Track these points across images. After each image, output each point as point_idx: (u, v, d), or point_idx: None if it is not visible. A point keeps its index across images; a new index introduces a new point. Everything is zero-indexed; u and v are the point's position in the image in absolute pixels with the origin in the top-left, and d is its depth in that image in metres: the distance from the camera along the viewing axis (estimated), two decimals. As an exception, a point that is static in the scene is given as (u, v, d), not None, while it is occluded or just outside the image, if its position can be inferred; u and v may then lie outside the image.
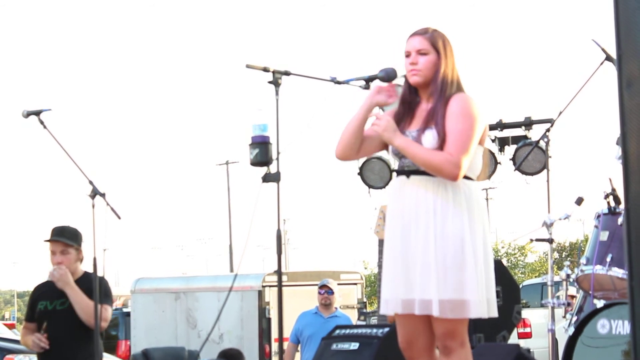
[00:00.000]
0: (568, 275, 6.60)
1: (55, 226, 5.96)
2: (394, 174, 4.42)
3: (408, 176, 4.26)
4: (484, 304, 4.17)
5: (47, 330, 5.89)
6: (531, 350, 7.51)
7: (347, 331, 7.34)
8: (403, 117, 4.34)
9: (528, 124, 9.34)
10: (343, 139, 4.35)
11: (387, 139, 4.24)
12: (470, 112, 4.19)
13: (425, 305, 4.13)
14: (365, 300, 12.93)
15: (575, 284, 6.60)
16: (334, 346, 7.19)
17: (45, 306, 5.93)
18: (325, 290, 9.23)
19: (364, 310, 11.87)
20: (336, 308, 9.35)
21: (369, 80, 4.31)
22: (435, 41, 4.28)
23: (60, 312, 5.86)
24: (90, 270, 5.76)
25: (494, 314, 4.23)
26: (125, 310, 15.28)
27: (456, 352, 4.22)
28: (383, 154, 8.23)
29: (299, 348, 9.29)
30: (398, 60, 4.38)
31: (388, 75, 4.33)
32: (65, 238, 5.90)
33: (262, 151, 5.98)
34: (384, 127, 4.23)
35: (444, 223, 4.15)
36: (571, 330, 6.11)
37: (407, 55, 4.30)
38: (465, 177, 4.23)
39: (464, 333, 4.24)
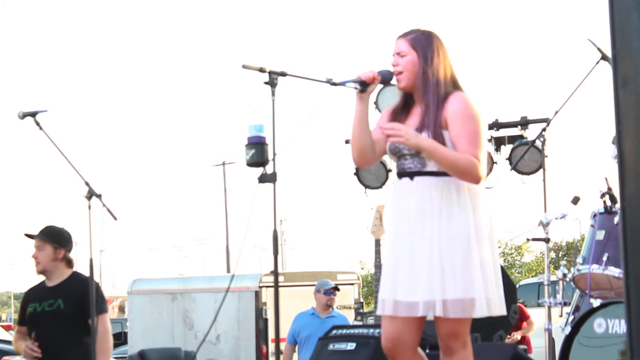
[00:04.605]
0: (565, 275, 6.60)
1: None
2: (395, 175, 4.41)
3: (412, 178, 4.25)
4: (495, 301, 4.18)
5: (36, 337, 5.86)
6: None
7: (344, 331, 7.35)
8: (399, 114, 4.34)
9: (524, 123, 9.35)
10: (353, 145, 4.37)
11: (414, 146, 4.17)
12: (474, 112, 4.19)
13: (432, 306, 4.13)
14: (362, 300, 12.93)
15: (572, 283, 6.60)
16: (331, 346, 7.19)
17: (35, 308, 5.91)
18: (332, 292, 9.22)
19: (361, 311, 11.88)
20: (332, 308, 9.35)
21: (365, 82, 4.30)
22: (416, 42, 4.27)
23: (49, 314, 5.84)
24: (81, 272, 5.77)
25: (504, 311, 4.25)
26: None
27: (458, 353, 4.24)
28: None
29: (296, 349, 9.28)
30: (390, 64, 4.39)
31: (384, 77, 4.33)
32: (42, 234, 5.90)
33: (259, 152, 5.98)
34: (405, 137, 4.16)
35: (450, 223, 4.15)
36: (568, 329, 6.12)
37: (393, 57, 4.34)
38: None
39: (466, 334, 4.25)
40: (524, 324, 10.52)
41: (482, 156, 4.17)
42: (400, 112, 4.35)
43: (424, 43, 4.28)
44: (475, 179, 4.17)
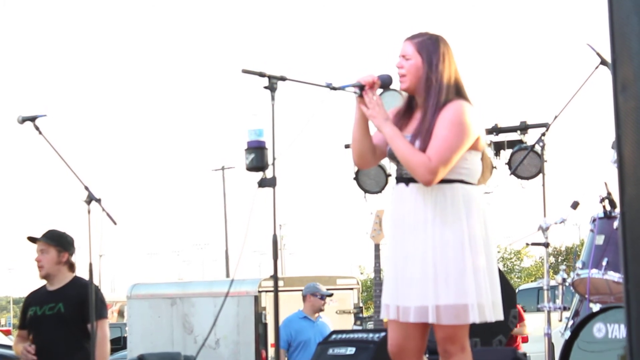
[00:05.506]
0: (564, 280, 6.60)
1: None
2: (394, 181, 4.41)
3: (407, 184, 4.25)
4: (489, 307, 4.17)
5: (34, 340, 5.86)
6: (527, 354, 7.51)
7: (344, 336, 7.35)
8: (402, 117, 4.33)
9: (523, 128, 9.36)
10: (354, 149, 4.40)
11: (377, 125, 4.24)
12: (459, 120, 4.14)
13: (423, 313, 4.13)
14: (361, 305, 12.92)
15: (572, 288, 6.60)
16: (330, 351, 7.19)
17: (35, 312, 5.91)
18: (325, 296, 9.24)
19: (361, 315, 11.87)
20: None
21: (364, 86, 4.30)
22: (422, 47, 4.25)
23: (50, 317, 5.84)
24: (81, 276, 5.77)
25: (500, 317, 4.24)
26: None
27: (456, 357, 4.23)
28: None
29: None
30: (395, 65, 4.38)
31: (384, 82, 4.32)
32: (46, 237, 5.91)
33: (258, 156, 5.98)
34: (374, 114, 4.23)
35: (443, 230, 4.14)
36: (567, 334, 6.12)
37: (399, 58, 4.32)
38: (465, 182, 4.23)
39: (464, 337, 4.24)
40: (517, 325, 10.55)
41: (442, 164, 4.11)
42: (403, 116, 4.34)
43: (430, 48, 4.25)
44: (423, 180, 4.13)
